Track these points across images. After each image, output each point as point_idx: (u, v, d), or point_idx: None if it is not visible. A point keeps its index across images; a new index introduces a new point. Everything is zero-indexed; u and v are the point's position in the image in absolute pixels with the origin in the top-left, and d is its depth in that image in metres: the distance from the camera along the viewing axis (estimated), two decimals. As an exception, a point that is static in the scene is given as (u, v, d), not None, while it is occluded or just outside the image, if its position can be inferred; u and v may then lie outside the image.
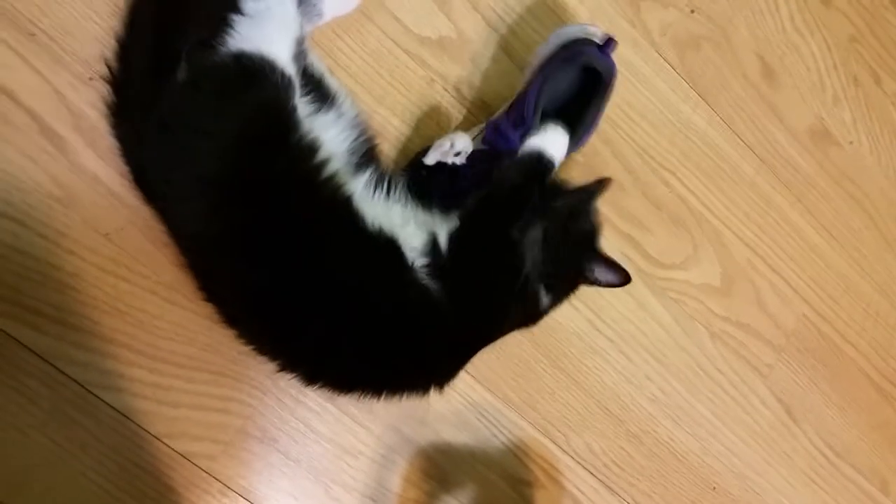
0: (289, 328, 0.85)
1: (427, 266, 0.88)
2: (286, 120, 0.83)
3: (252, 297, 0.84)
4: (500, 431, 1.11)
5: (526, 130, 0.95)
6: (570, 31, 1.03)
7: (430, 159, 0.98)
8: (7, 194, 0.88)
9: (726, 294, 1.29)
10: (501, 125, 0.99)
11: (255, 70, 0.81)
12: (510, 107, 1.01)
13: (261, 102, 0.82)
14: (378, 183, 0.92)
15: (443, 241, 0.89)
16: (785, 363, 1.34)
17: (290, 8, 0.86)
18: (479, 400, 1.10)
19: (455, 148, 0.98)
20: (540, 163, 0.92)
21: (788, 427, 1.34)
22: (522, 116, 0.97)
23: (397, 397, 0.92)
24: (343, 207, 0.86)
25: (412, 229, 0.90)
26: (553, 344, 1.15)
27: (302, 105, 0.85)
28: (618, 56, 1.01)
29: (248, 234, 0.82)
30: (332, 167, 0.86)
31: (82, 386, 0.90)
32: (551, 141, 0.92)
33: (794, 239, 1.36)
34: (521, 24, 1.14)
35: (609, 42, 0.99)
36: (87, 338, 0.91)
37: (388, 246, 0.87)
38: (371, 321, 0.86)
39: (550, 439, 1.15)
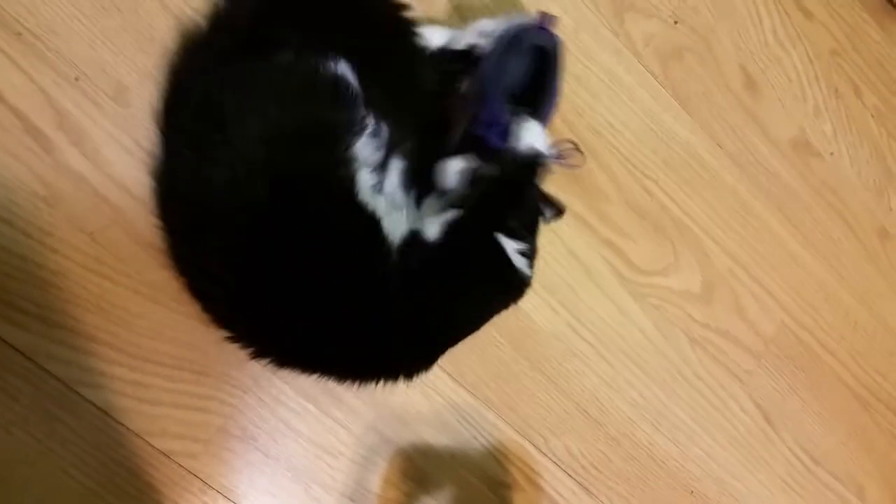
0: (269, 309, 0.87)
1: (409, 253, 0.91)
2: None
3: (241, 277, 0.86)
4: (480, 433, 1.12)
5: (501, 128, 0.98)
6: (506, 23, 1.05)
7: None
8: (-8, 192, 0.89)
9: (706, 301, 1.30)
10: (476, 129, 1.02)
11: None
12: (472, 98, 1.04)
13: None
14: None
15: (432, 231, 0.93)
16: (764, 370, 1.35)
17: None
18: (460, 402, 1.11)
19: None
20: (538, 159, 0.98)
21: (766, 433, 1.35)
22: (493, 114, 0.99)
23: (371, 383, 0.96)
24: (346, 197, 0.89)
25: (397, 217, 0.94)
26: (534, 347, 1.16)
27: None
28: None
29: (261, 210, 0.84)
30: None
31: (64, 383, 0.90)
32: (537, 135, 0.98)
33: (775, 248, 1.37)
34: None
35: (545, 19, 1.02)
36: (69, 335, 0.91)
37: (371, 231, 0.89)
38: (351, 305, 0.89)
39: (530, 441, 1.15)
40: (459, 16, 1.13)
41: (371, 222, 0.89)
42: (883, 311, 1.48)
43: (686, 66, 1.30)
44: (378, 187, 0.94)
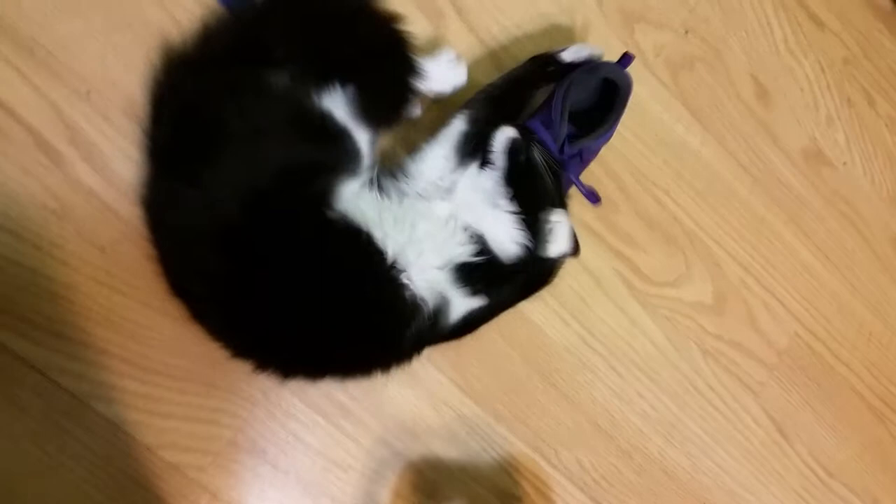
0: (264, 322, 0.88)
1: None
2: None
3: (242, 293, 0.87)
4: (491, 446, 1.12)
5: (555, 133, 1.03)
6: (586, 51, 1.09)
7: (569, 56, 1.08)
8: (3, 207, 0.89)
9: (719, 312, 1.30)
10: (532, 124, 1.05)
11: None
12: (539, 109, 1.08)
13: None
14: (373, 186, 0.96)
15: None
16: (777, 381, 1.34)
17: None
18: (470, 415, 1.10)
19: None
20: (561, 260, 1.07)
21: (780, 445, 1.34)
22: (551, 118, 1.03)
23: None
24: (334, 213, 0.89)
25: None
26: (545, 360, 1.16)
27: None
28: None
29: (241, 230, 0.84)
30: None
31: (75, 396, 0.91)
32: (566, 237, 1.04)
33: (787, 258, 1.36)
34: (516, 45, 1.16)
35: (626, 57, 1.08)
36: (80, 349, 0.92)
37: (368, 243, 0.90)
38: (348, 313, 0.90)
39: (541, 455, 1.15)
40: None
41: (356, 236, 0.89)
42: (897, 322, 1.47)
43: (697, 76, 1.30)
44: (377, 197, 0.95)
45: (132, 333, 0.94)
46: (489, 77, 1.11)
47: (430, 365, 1.08)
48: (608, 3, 1.23)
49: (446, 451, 1.09)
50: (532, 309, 1.15)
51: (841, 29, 1.44)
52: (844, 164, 1.43)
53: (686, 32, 1.29)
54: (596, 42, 1.21)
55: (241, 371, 0.93)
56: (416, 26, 1.09)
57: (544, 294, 1.16)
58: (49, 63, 0.92)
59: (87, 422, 0.91)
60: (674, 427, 1.25)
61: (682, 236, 1.27)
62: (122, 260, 0.93)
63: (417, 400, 1.07)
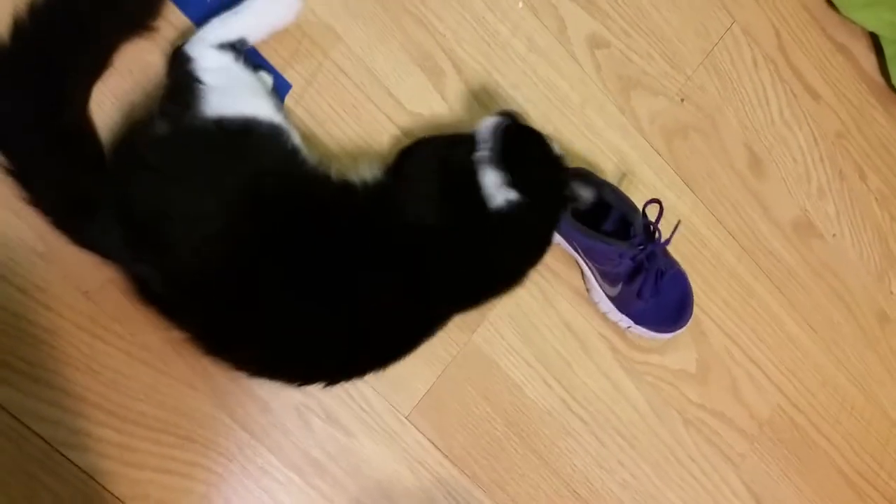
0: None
1: None
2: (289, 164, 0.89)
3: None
4: (467, 511, 1.11)
5: None
6: None
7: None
8: (-9, 249, 0.89)
9: (702, 381, 1.29)
10: None
11: (242, 131, 0.85)
12: None
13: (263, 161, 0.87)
14: None
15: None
16: (758, 453, 1.33)
17: (248, 74, 0.91)
18: (448, 478, 1.09)
19: None
20: None
21: (758, 519, 1.33)
22: None
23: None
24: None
25: None
26: (526, 423, 1.15)
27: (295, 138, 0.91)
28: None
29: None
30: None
31: (48, 443, 0.90)
32: None
33: (773, 329, 1.36)
34: (513, 106, 1.16)
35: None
36: (57, 395, 0.91)
37: None
38: None
39: (517, 521, 1.14)
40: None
41: None
42: (880, 397, 1.46)
43: (691, 144, 1.31)
44: None
45: (111, 381, 0.93)
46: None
47: (410, 424, 1.07)
48: (605, 68, 1.24)
49: (422, 512, 1.08)
50: (516, 370, 1.15)
51: (836, 102, 1.46)
52: (834, 236, 1.44)
53: (682, 100, 1.30)
54: (592, 106, 1.22)
55: (219, 425, 0.93)
56: (413, 81, 1.11)
57: (528, 356, 1.16)
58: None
59: (59, 470, 0.90)
60: (653, 497, 1.24)
61: (669, 303, 1.27)
62: (107, 306, 0.93)
63: (395, 461, 1.06)
